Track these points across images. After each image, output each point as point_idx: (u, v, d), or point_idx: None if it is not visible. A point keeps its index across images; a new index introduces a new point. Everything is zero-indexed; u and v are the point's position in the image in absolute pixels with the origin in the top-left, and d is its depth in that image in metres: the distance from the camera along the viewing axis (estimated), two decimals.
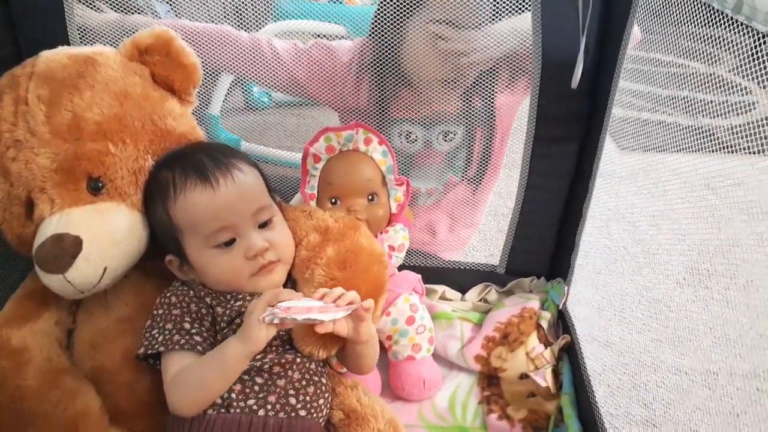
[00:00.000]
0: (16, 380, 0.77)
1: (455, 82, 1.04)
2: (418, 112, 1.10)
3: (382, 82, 1.07)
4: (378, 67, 1.05)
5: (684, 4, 0.70)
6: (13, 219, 0.83)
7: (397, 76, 1.06)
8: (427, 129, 1.12)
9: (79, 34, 1.00)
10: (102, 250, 0.78)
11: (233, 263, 0.76)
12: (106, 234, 0.78)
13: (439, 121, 1.11)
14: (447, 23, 0.98)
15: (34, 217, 0.81)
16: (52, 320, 0.85)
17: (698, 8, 0.67)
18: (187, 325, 0.74)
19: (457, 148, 1.14)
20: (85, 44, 1.00)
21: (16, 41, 0.99)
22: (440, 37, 0.99)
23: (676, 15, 0.72)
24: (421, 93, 1.07)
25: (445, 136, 1.12)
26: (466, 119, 1.10)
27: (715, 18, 0.63)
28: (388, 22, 1.00)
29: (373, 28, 1.04)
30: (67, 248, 0.76)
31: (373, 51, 1.05)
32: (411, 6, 0.99)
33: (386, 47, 1.03)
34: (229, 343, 0.69)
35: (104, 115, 0.81)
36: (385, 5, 1.00)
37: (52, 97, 0.80)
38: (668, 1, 0.74)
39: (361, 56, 1.08)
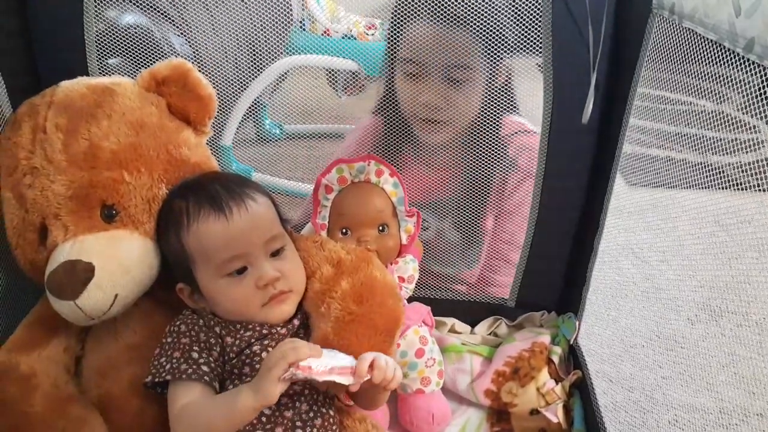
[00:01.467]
0: (23, 407, 0.77)
1: (439, 123, 1.03)
2: (428, 194, 1.10)
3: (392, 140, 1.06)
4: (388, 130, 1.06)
5: (694, 43, 0.71)
6: (27, 245, 0.84)
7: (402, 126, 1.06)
8: (439, 218, 1.11)
9: (96, 46, 1.02)
10: (113, 278, 0.78)
11: (244, 292, 0.76)
12: (118, 261, 0.79)
13: (449, 207, 1.09)
14: (412, 62, 1.00)
15: (47, 243, 0.81)
16: (61, 347, 0.85)
17: (708, 47, 0.67)
18: (195, 355, 0.74)
19: (469, 242, 1.12)
20: (102, 56, 1.02)
21: (35, 70, 1.02)
22: (409, 74, 1.01)
23: (686, 53, 0.72)
24: (424, 152, 1.07)
25: (457, 226, 1.11)
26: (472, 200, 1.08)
27: (726, 57, 0.63)
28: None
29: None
30: (79, 275, 0.76)
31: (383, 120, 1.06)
32: (393, 48, 1.01)
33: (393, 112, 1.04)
34: (241, 393, 0.67)
35: (120, 144, 0.82)
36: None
37: (69, 126, 0.82)
38: (679, 39, 0.75)
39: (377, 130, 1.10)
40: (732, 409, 1.21)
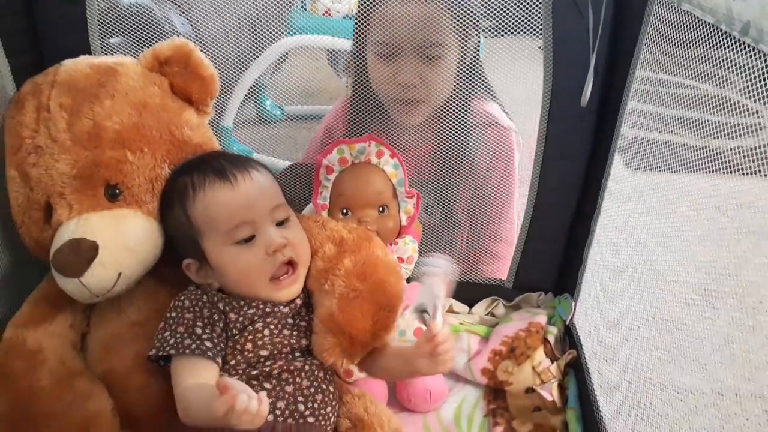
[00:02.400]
0: (30, 381, 0.79)
1: (416, 103, 1.04)
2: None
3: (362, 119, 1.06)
4: (358, 107, 1.06)
5: (693, 26, 0.72)
6: (32, 223, 0.85)
7: (377, 109, 1.06)
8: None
9: (98, 25, 1.02)
10: (117, 256, 0.79)
11: (253, 260, 0.77)
12: (121, 240, 0.80)
13: (421, 189, 1.07)
14: (385, 43, 1.00)
15: (52, 221, 0.83)
16: (66, 323, 0.86)
17: (707, 30, 0.68)
18: (198, 330, 0.75)
19: (443, 225, 1.13)
20: (103, 35, 1.03)
21: (38, 49, 1.02)
22: (382, 56, 1.01)
23: (686, 37, 0.73)
24: (396, 134, 1.07)
25: (429, 209, 1.11)
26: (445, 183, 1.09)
27: (726, 40, 0.64)
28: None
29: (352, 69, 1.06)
30: (84, 253, 0.78)
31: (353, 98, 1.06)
32: (363, 32, 1.01)
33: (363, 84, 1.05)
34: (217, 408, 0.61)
35: (123, 124, 0.83)
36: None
37: (73, 106, 0.83)
38: (678, 22, 0.75)
39: (345, 114, 1.10)
40: (725, 389, 1.23)
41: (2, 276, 0.94)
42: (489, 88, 1.06)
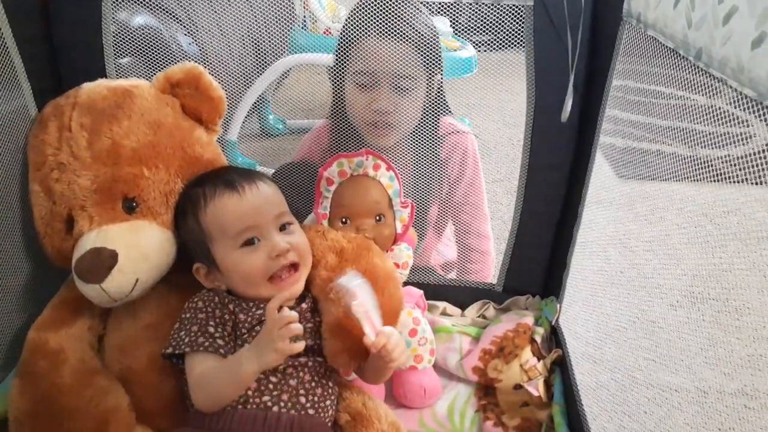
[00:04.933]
0: (53, 378, 0.85)
1: (389, 127, 1.14)
2: None
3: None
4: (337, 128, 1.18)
5: (657, 48, 0.78)
6: (54, 234, 0.91)
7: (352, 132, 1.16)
8: None
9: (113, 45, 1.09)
10: (135, 264, 0.85)
11: (257, 263, 0.84)
12: (138, 249, 0.86)
13: None
14: (365, 74, 1.10)
15: (73, 232, 0.89)
16: (85, 326, 0.92)
17: (667, 54, 0.74)
18: (211, 329, 0.82)
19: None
20: (115, 54, 1.10)
21: (57, 72, 1.09)
22: (360, 85, 1.11)
23: (650, 58, 0.79)
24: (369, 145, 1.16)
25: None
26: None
27: (681, 63, 0.70)
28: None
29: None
30: (104, 261, 0.84)
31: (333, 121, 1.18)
32: (343, 62, 1.12)
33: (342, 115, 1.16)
34: (245, 361, 0.76)
35: (140, 143, 0.89)
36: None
37: (93, 126, 0.89)
38: (646, 45, 0.82)
39: (328, 132, 1.21)
40: (708, 388, 1.28)
41: (25, 283, 1.01)
42: (448, 108, 1.21)
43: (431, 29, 1.10)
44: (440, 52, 1.12)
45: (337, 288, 0.82)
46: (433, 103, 1.14)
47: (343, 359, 0.85)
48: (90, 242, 0.86)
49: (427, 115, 1.14)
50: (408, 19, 1.06)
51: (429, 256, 1.30)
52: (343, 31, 1.10)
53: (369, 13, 1.03)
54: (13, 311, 0.98)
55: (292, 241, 0.86)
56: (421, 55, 1.09)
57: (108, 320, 0.94)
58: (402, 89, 1.10)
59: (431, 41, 1.09)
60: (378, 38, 1.06)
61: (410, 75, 1.09)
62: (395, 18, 1.03)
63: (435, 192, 1.22)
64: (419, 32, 1.07)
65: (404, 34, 1.06)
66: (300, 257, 0.87)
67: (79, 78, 0.99)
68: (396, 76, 1.09)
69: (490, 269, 1.28)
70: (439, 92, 1.16)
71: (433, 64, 1.11)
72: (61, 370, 0.86)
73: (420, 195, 1.17)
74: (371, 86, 1.10)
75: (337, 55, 1.14)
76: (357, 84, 1.11)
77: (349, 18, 1.09)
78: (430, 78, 1.12)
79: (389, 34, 1.05)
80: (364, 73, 1.10)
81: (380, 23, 1.03)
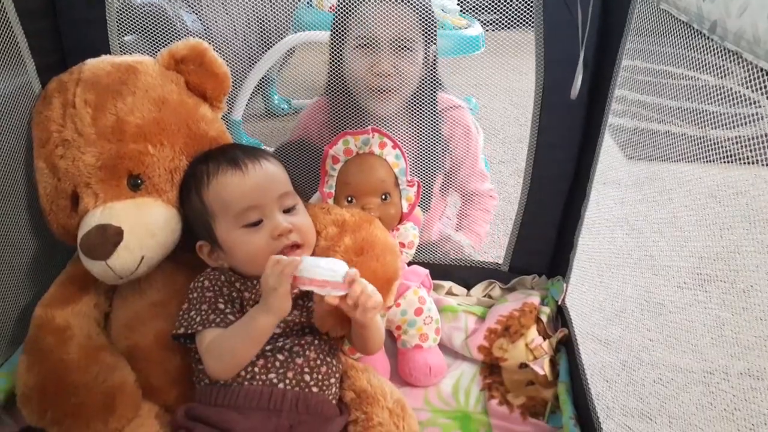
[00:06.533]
0: (60, 354, 0.85)
1: (389, 92, 1.15)
2: None
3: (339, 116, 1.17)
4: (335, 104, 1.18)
5: (671, 23, 0.77)
6: (60, 211, 0.91)
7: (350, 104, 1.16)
8: None
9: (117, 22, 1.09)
10: (140, 241, 0.85)
11: (259, 243, 0.83)
12: (144, 226, 0.86)
13: None
14: (365, 37, 1.11)
15: (78, 209, 0.89)
16: (91, 303, 0.93)
17: (681, 28, 0.73)
18: (221, 305, 0.82)
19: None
20: (119, 32, 1.09)
21: (61, 49, 1.08)
22: (361, 48, 1.12)
23: (663, 33, 0.78)
24: (369, 114, 1.17)
25: None
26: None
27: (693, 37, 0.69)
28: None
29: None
30: (110, 238, 0.84)
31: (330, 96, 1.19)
32: (342, 29, 1.12)
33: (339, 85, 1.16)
34: (257, 316, 0.76)
35: (144, 119, 0.89)
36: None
37: (98, 102, 0.89)
38: (659, 19, 0.80)
39: (324, 109, 1.22)
40: (714, 369, 1.28)
41: (31, 261, 1.01)
42: (441, 84, 1.22)
43: None
44: (435, 21, 1.13)
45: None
46: (430, 75, 1.16)
47: (331, 322, 0.85)
48: (95, 219, 0.86)
49: (425, 86, 1.15)
50: None
51: (431, 230, 1.32)
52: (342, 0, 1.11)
53: None
54: (19, 288, 0.98)
55: (294, 222, 0.86)
56: (419, 19, 1.11)
57: (114, 297, 0.95)
58: (403, 50, 1.12)
59: (427, 7, 1.11)
60: (377, 1, 1.08)
61: (410, 38, 1.11)
62: None
63: (438, 165, 1.23)
64: None
65: None
66: (302, 238, 0.86)
67: (83, 55, 0.98)
68: (396, 39, 1.11)
69: (482, 239, 1.32)
70: (434, 65, 1.18)
71: (429, 31, 1.12)
72: (67, 346, 0.86)
73: (423, 168, 1.17)
74: (372, 49, 1.12)
75: (334, 25, 1.14)
76: (358, 49, 1.13)
77: None
78: (426, 46, 1.14)
79: None
80: (365, 37, 1.11)
81: None
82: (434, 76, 1.17)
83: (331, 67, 1.18)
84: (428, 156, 1.17)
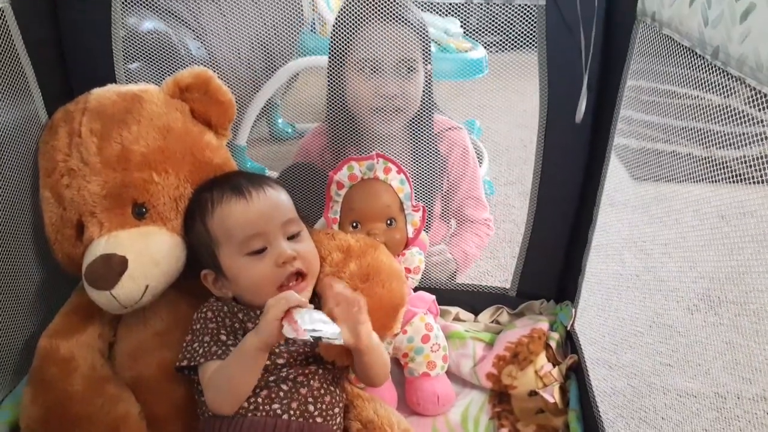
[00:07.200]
0: (64, 385, 0.85)
1: (395, 112, 1.15)
2: None
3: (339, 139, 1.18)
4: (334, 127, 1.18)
5: (672, 47, 0.76)
6: (65, 240, 0.91)
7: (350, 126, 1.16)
8: None
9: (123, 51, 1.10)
10: (145, 270, 0.85)
11: (263, 271, 0.83)
12: (148, 255, 0.86)
13: None
14: (369, 60, 1.11)
15: (83, 238, 0.89)
16: (95, 333, 0.92)
17: (683, 52, 0.73)
18: (223, 337, 0.81)
19: None
20: (124, 60, 1.10)
21: (67, 78, 1.09)
22: (364, 71, 1.12)
23: (665, 57, 0.78)
24: (371, 148, 1.16)
25: None
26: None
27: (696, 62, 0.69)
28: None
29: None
30: (114, 267, 0.83)
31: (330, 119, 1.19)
32: (342, 53, 1.12)
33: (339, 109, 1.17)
34: (246, 338, 0.76)
35: (149, 148, 0.89)
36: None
37: (103, 131, 0.89)
38: (661, 44, 0.80)
39: (324, 133, 1.23)
40: (727, 393, 1.26)
41: (35, 290, 1.00)
42: (436, 105, 1.24)
43: (420, 16, 1.13)
44: (430, 40, 1.16)
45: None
46: (426, 94, 1.17)
47: (335, 350, 0.83)
48: (100, 248, 0.85)
49: (423, 106, 1.17)
50: (403, 2, 1.08)
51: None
52: (339, 23, 1.10)
53: (366, 1, 1.04)
54: (24, 318, 0.97)
55: (299, 249, 0.85)
56: (419, 39, 1.12)
57: (118, 327, 0.94)
58: (408, 71, 1.13)
59: (424, 27, 1.13)
60: (380, 23, 1.07)
61: (412, 58, 1.12)
62: (392, 2, 1.04)
63: (437, 186, 1.23)
64: (416, 16, 1.10)
65: (404, 17, 1.08)
66: (306, 265, 0.86)
67: (88, 83, 0.98)
68: (401, 60, 1.11)
69: (477, 249, 1.32)
70: (429, 84, 1.18)
71: (426, 51, 1.14)
72: (72, 378, 0.86)
73: (422, 189, 1.17)
74: (377, 72, 1.12)
75: (332, 48, 1.14)
76: (362, 71, 1.12)
77: (343, 9, 1.09)
78: (425, 65, 1.15)
79: (390, 19, 1.06)
80: (369, 60, 1.11)
81: (380, 8, 1.05)
82: (430, 95, 1.18)
83: (330, 90, 1.19)
84: (427, 176, 1.18)
